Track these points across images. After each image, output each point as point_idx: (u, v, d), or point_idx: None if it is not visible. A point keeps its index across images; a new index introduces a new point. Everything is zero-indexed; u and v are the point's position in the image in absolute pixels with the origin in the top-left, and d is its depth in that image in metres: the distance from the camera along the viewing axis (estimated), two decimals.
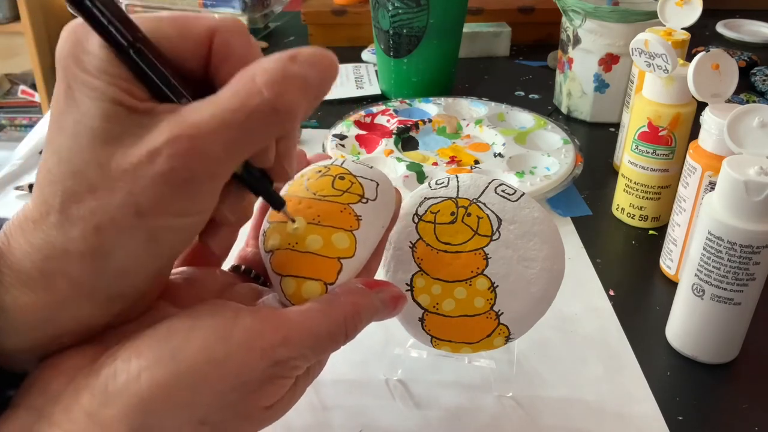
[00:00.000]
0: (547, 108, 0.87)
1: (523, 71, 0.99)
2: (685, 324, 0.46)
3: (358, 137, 0.71)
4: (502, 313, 0.36)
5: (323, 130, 0.76)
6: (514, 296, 0.36)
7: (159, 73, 0.24)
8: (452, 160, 0.67)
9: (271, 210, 0.34)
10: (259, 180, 0.28)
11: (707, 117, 0.48)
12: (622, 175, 0.61)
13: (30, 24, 1.91)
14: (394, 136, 0.71)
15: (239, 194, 0.28)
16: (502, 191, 0.38)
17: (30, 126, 2.08)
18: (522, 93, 0.92)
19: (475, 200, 0.38)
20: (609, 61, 0.77)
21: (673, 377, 0.45)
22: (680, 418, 0.42)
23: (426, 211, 0.38)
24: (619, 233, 0.62)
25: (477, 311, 0.36)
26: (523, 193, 0.39)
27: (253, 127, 0.24)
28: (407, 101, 0.79)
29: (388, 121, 0.75)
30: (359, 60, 1.03)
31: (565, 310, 0.51)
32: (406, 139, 0.72)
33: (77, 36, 0.24)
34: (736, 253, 0.41)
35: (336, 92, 0.89)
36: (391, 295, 0.32)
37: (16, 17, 1.91)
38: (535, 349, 0.47)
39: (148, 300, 0.29)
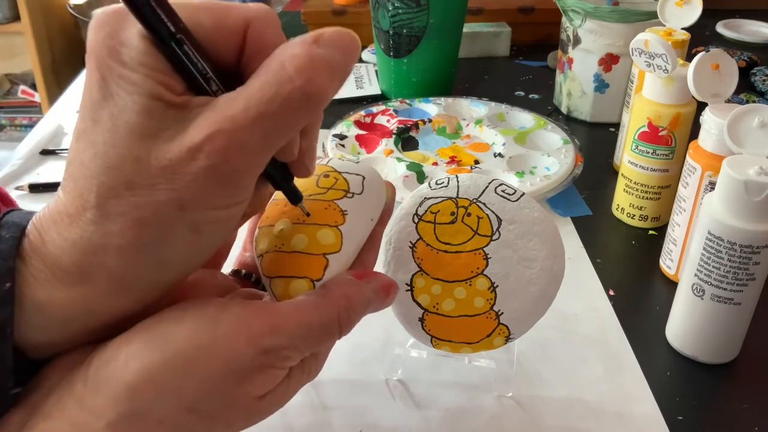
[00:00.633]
0: (547, 108, 0.87)
1: (523, 71, 0.99)
2: (685, 324, 0.46)
3: (358, 137, 0.71)
4: (502, 313, 0.36)
5: (323, 130, 0.76)
6: (514, 296, 0.36)
7: (199, 65, 0.24)
8: (452, 160, 0.67)
9: (261, 215, 0.34)
10: (282, 174, 0.29)
11: (707, 117, 0.48)
12: (622, 175, 0.61)
13: (30, 24, 1.91)
14: (394, 136, 0.71)
15: (257, 187, 0.28)
16: (502, 191, 0.38)
17: (30, 126, 2.08)
18: (522, 93, 0.92)
19: (475, 200, 0.38)
20: (609, 61, 0.77)
21: (673, 377, 0.45)
22: (680, 418, 0.42)
23: (426, 211, 0.38)
24: (619, 233, 0.62)
25: (477, 311, 0.36)
26: (523, 193, 0.39)
27: (288, 115, 0.24)
28: (407, 101, 0.79)
29: (388, 121, 0.75)
30: (359, 60, 1.02)
31: (565, 310, 0.51)
32: (406, 139, 0.72)
33: (111, 26, 0.23)
34: (736, 253, 0.41)
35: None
36: (381, 284, 0.32)
37: (16, 17, 1.92)
38: (535, 349, 0.47)
39: (179, 290, 0.29)
